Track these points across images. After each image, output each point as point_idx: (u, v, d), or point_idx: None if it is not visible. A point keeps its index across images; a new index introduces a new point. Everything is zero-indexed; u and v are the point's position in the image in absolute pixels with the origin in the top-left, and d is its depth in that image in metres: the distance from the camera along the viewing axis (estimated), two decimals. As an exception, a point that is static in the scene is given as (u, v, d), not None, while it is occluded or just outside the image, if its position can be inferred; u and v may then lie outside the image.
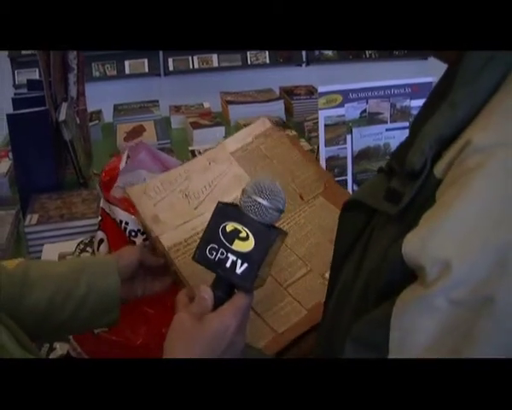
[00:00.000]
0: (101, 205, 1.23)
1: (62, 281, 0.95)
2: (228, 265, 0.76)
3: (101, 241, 1.21)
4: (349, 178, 1.61)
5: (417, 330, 0.55)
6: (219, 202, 0.80)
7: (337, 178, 1.57)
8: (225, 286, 0.78)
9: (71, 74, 2.07)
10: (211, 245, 0.77)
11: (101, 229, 1.22)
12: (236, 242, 0.76)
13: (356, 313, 0.65)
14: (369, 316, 0.61)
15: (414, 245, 0.57)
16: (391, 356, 0.57)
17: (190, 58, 4.72)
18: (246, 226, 0.76)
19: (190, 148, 2.23)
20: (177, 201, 1.11)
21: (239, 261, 0.76)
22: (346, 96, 1.58)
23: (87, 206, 1.66)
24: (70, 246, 1.46)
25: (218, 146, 1.21)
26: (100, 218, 1.24)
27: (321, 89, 1.58)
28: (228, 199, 1.12)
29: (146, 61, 4.67)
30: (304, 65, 4.87)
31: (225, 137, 2.36)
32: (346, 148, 1.60)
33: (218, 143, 1.25)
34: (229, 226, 0.76)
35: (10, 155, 2.02)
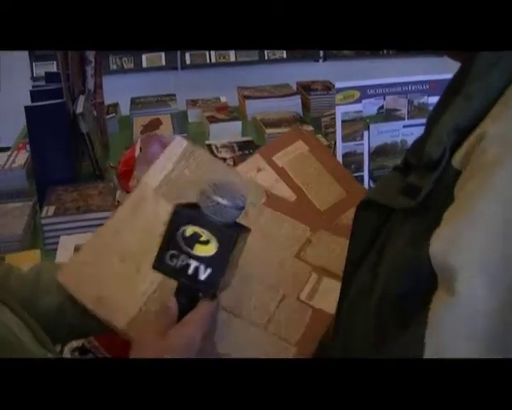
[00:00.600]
0: (118, 198, 1.24)
1: None
2: (190, 272, 0.71)
3: (117, 233, 1.21)
4: (365, 174, 1.60)
5: (454, 344, 0.52)
6: (176, 205, 0.75)
7: (353, 175, 1.56)
8: (189, 294, 0.73)
9: (88, 67, 2.08)
10: (171, 252, 0.71)
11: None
12: (197, 246, 0.71)
13: (376, 320, 0.63)
14: (400, 340, 0.57)
15: (442, 245, 0.54)
16: None
17: (207, 52, 4.72)
18: (206, 229, 0.71)
19: (207, 142, 2.23)
20: (115, 270, 0.97)
21: (202, 267, 0.71)
22: (364, 92, 1.57)
23: (103, 198, 1.67)
24: (86, 238, 1.47)
25: (139, 186, 1.05)
26: (116, 210, 1.24)
27: (338, 85, 1.57)
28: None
29: (163, 54, 4.68)
30: (321, 60, 4.86)
31: (242, 131, 2.36)
32: (362, 144, 1.59)
33: (139, 182, 1.08)
34: (189, 230, 0.71)
35: (28, 147, 2.03)
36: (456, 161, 0.58)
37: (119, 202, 1.23)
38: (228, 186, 0.74)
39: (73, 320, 0.94)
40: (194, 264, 0.71)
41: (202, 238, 0.71)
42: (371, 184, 1.60)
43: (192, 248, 0.71)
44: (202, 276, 0.71)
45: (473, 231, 0.53)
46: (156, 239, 0.78)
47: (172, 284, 0.75)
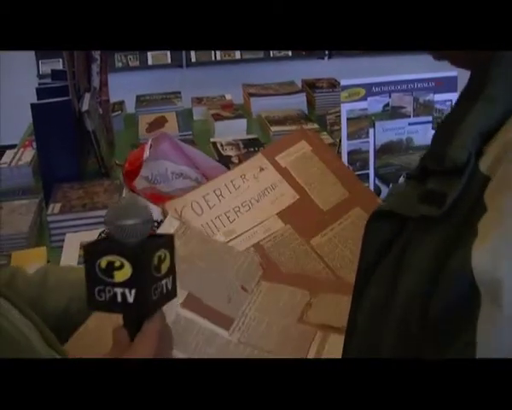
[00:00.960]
0: (124, 196, 1.24)
1: (78, 288, 0.95)
2: (119, 300, 0.71)
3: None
4: (371, 172, 1.60)
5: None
6: (85, 245, 0.75)
7: (359, 172, 1.56)
8: (130, 320, 0.74)
9: (94, 65, 2.09)
10: (97, 288, 0.71)
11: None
12: (115, 273, 0.70)
13: (400, 336, 0.60)
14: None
15: (486, 259, 0.51)
16: None
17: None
18: (116, 254, 0.71)
19: (212, 139, 2.23)
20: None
21: (126, 291, 0.70)
22: (369, 90, 1.57)
23: (109, 196, 1.67)
24: (92, 236, 1.47)
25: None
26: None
27: (343, 82, 1.57)
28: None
29: (168, 52, 4.68)
30: (326, 58, 4.86)
31: (247, 129, 2.37)
32: (368, 142, 1.59)
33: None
34: (103, 262, 0.71)
35: (34, 144, 2.04)
36: (484, 166, 0.56)
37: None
38: (128, 207, 0.74)
39: (80, 321, 0.95)
40: (119, 291, 0.71)
41: (116, 264, 0.70)
42: (377, 182, 1.60)
43: (112, 277, 0.71)
44: (130, 299, 0.70)
45: None
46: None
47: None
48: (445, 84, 1.60)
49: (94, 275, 0.71)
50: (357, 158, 1.59)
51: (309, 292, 1.06)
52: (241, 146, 2.12)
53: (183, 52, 4.68)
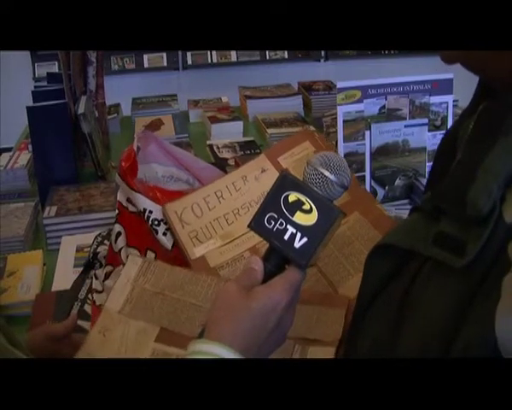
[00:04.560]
0: (118, 198, 1.24)
1: None
2: (286, 237, 0.70)
3: (118, 234, 1.22)
4: (367, 174, 1.60)
5: None
6: (283, 170, 0.74)
7: (355, 175, 1.56)
8: (278, 259, 0.72)
9: (90, 68, 2.08)
10: (270, 214, 0.71)
11: (119, 222, 1.23)
12: (298, 213, 0.70)
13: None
14: None
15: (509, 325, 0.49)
16: None
17: (209, 52, 4.72)
18: (310, 199, 0.70)
19: (208, 142, 2.23)
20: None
21: (298, 234, 0.70)
22: (365, 92, 1.57)
23: (105, 199, 1.67)
24: (88, 238, 1.47)
25: (102, 313, 1.06)
26: (117, 211, 1.24)
27: (340, 84, 1.57)
28: None
29: (164, 54, 4.68)
30: (322, 60, 4.86)
31: (243, 132, 2.37)
32: (364, 144, 1.59)
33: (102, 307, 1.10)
34: (292, 196, 0.70)
35: (30, 147, 2.03)
36: (509, 215, 0.53)
37: (119, 202, 1.22)
38: (336, 162, 0.73)
39: None
40: (291, 230, 0.70)
41: (305, 207, 0.70)
42: (373, 184, 1.60)
43: (293, 214, 0.70)
44: (297, 244, 0.70)
45: None
46: None
47: None
48: (441, 87, 1.60)
49: (276, 201, 0.71)
50: (354, 160, 1.59)
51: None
52: (238, 148, 2.12)
53: (179, 55, 4.68)
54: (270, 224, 0.71)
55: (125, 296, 1.05)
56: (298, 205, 0.70)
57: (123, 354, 0.96)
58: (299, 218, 0.70)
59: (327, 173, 0.71)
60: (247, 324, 0.66)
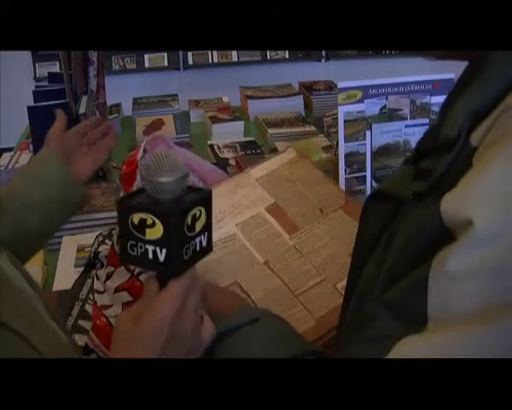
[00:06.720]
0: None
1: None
2: (150, 256, 0.70)
3: (119, 234, 1.22)
4: (368, 174, 1.60)
5: (457, 292, 0.51)
6: (121, 197, 0.73)
7: (356, 175, 1.56)
8: (161, 277, 0.72)
9: (91, 67, 2.08)
10: (130, 242, 0.70)
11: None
12: (147, 231, 0.69)
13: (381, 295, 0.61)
14: (404, 281, 0.56)
15: (454, 203, 0.52)
16: (430, 322, 0.53)
17: (210, 52, 4.73)
18: (149, 212, 0.69)
19: (209, 142, 2.23)
20: None
21: (157, 249, 0.69)
22: (366, 92, 1.57)
23: (106, 198, 1.67)
24: (89, 238, 1.48)
25: (243, 173, 1.31)
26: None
27: (341, 84, 1.57)
28: (248, 215, 1.22)
29: (165, 54, 4.68)
30: (323, 60, 4.86)
31: (244, 132, 2.37)
32: (365, 144, 1.59)
33: (245, 171, 1.34)
34: (136, 218, 0.69)
35: (31, 147, 2.04)
36: (475, 138, 0.56)
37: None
38: (163, 163, 0.70)
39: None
40: (150, 248, 0.69)
41: (148, 222, 0.69)
42: (373, 185, 1.60)
43: (144, 234, 0.69)
44: (161, 257, 0.69)
45: (485, 187, 0.51)
46: (240, 209, 1.20)
47: None
48: (443, 87, 1.60)
49: (127, 229, 0.70)
50: (355, 160, 1.59)
51: None
52: (239, 148, 2.13)
53: (180, 55, 4.69)
54: (133, 251, 0.70)
55: (267, 171, 1.31)
56: (143, 224, 0.69)
57: (234, 207, 1.24)
58: (150, 235, 0.69)
59: (159, 179, 0.69)
60: (140, 348, 0.68)
